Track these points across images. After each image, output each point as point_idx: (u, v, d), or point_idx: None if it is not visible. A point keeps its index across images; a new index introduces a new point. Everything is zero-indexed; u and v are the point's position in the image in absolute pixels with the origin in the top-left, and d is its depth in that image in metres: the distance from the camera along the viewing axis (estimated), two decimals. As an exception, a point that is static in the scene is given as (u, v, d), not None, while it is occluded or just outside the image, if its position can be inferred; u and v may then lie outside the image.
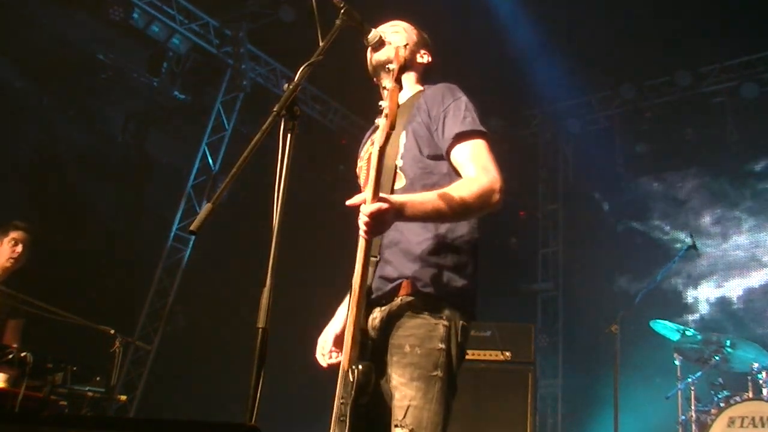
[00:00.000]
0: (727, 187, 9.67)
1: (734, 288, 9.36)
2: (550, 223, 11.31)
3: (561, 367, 10.44)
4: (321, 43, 2.59)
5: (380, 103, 2.59)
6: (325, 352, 3.05)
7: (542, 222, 11.37)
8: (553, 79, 9.92)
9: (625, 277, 10.08)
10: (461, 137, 2.85)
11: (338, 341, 3.05)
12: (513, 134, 11.10)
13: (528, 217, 11.49)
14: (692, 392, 6.62)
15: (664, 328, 7.02)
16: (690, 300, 9.64)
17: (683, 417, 6.63)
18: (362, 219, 2.52)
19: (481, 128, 2.89)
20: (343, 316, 3.09)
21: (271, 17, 9.11)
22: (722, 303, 9.41)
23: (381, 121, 2.56)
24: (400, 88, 2.60)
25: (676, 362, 6.88)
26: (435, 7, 7.69)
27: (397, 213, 2.57)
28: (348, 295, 3.11)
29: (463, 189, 2.72)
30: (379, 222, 2.54)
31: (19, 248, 5.46)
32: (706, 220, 9.77)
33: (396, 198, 2.61)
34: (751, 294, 9.19)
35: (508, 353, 7.01)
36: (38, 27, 8.20)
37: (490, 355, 7.03)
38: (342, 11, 2.74)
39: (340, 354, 2.93)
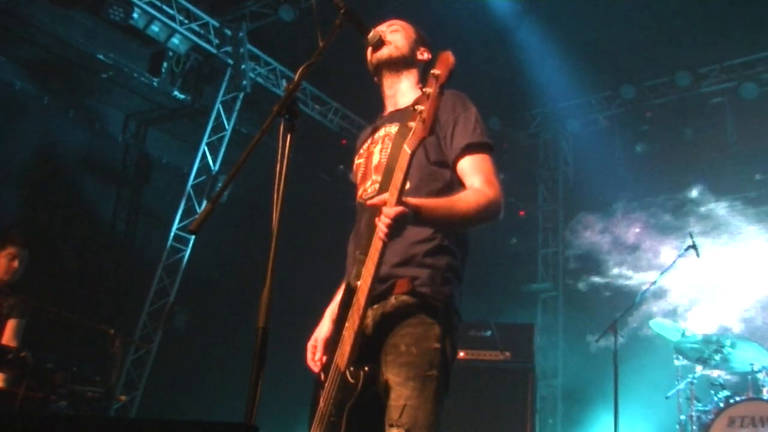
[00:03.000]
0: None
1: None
2: (550, 223, 11.32)
3: (561, 367, 10.45)
4: (321, 43, 2.59)
5: (417, 106, 2.56)
6: (316, 358, 3.03)
7: (542, 222, 11.38)
8: (553, 79, 9.93)
9: (625, 276, 10.07)
10: (470, 149, 2.87)
11: (329, 346, 3.04)
12: (513, 134, 11.10)
13: (528, 217, 11.50)
14: (692, 392, 6.62)
15: (664, 327, 7.02)
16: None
17: (683, 417, 6.63)
18: (384, 221, 2.50)
19: (489, 141, 2.92)
20: (330, 320, 3.08)
21: (271, 17, 9.12)
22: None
23: (416, 125, 2.54)
24: (442, 94, 2.56)
25: (676, 362, 6.89)
26: (435, 7, 7.71)
27: (415, 217, 2.58)
28: (336, 296, 3.12)
29: (471, 199, 2.75)
30: (400, 225, 2.53)
31: (16, 263, 5.45)
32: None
33: (414, 201, 2.61)
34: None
35: (507, 353, 7.02)
36: (38, 28, 8.21)
37: (490, 355, 7.03)
38: (342, 11, 2.74)
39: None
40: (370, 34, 3.01)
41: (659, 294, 8.40)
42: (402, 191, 2.53)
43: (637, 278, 9.49)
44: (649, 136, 10.41)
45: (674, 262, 6.98)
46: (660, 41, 9.11)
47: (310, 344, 3.08)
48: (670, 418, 6.98)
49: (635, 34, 8.98)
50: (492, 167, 2.88)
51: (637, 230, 9.84)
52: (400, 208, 2.51)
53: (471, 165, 2.86)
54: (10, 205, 8.24)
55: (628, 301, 7.55)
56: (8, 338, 5.43)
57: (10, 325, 5.49)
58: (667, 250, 9.14)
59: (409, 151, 2.54)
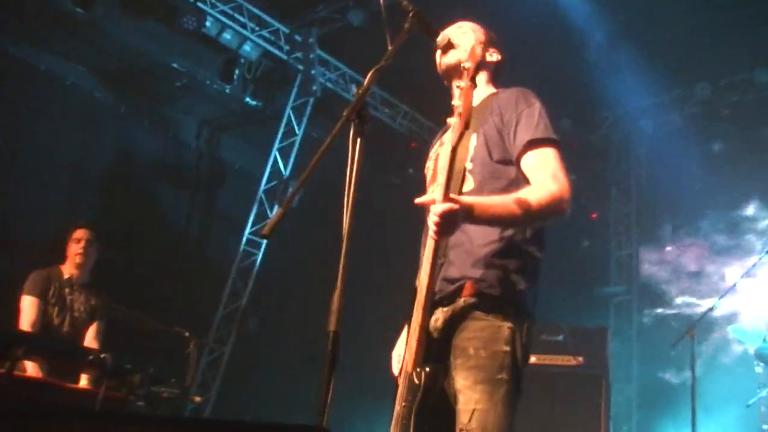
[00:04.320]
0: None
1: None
2: (623, 226, 11.09)
3: (635, 372, 10.22)
4: (390, 47, 2.59)
5: (453, 102, 2.57)
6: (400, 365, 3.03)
7: (615, 224, 11.17)
8: (625, 79, 9.74)
9: (704, 279, 9.80)
10: (533, 144, 2.82)
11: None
12: (584, 136, 10.93)
13: (600, 220, 11.30)
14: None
15: (744, 333, 6.80)
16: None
17: (765, 426, 6.40)
18: (432, 219, 2.51)
19: (554, 136, 2.85)
20: None
21: (340, 22, 9.19)
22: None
23: (454, 120, 2.55)
24: (475, 86, 2.57)
25: (758, 369, 6.66)
26: (504, 9, 7.63)
27: (467, 214, 2.56)
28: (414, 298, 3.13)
29: (532, 195, 2.68)
30: (450, 222, 2.52)
31: (83, 244, 5.61)
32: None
33: (466, 199, 2.59)
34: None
35: (580, 358, 6.90)
36: (115, 39, 8.45)
37: (563, 359, 6.93)
38: (410, 14, 2.73)
39: None
40: (439, 37, 3.00)
41: (740, 297, 8.15)
42: (448, 188, 2.52)
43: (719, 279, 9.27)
44: (726, 135, 10.11)
45: (756, 264, 6.76)
46: (737, 37, 8.82)
47: (394, 353, 3.07)
48: (752, 428, 6.75)
49: (710, 30, 8.73)
50: (558, 162, 2.81)
51: (717, 234, 9.60)
52: (447, 206, 2.49)
53: (535, 160, 2.80)
54: (88, 211, 8.48)
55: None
56: (90, 340, 5.60)
57: (93, 328, 5.66)
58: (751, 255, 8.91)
59: (450, 147, 2.54)
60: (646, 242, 10.69)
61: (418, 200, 2.62)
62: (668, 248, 10.30)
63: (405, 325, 3.14)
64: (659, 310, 10.06)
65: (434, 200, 2.53)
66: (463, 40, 3.07)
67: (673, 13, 8.54)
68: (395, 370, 3.03)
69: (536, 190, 2.72)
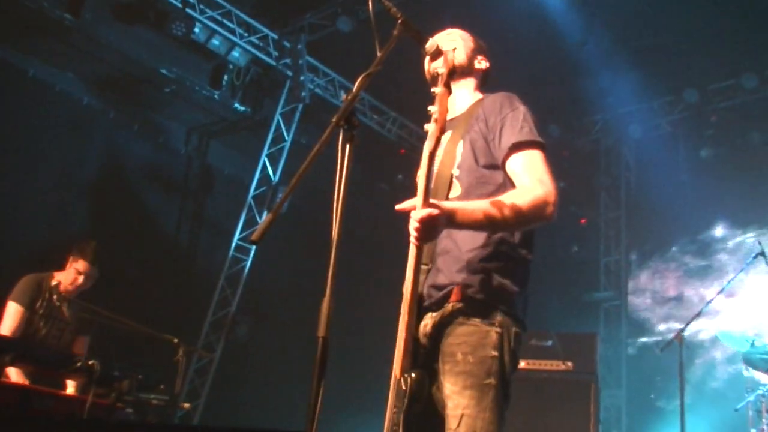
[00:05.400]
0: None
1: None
2: (613, 231, 11.14)
3: (625, 377, 10.25)
4: (379, 54, 2.60)
5: (429, 108, 2.58)
6: None
7: (604, 230, 11.21)
8: (613, 84, 9.79)
9: (690, 285, 9.86)
10: (518, 147, 2.81)
11: None
12: (573, 141, 10.98)
13: (589, 225, 11.34)
14: (763, 405, 6.41)
15: (732, 338, 6.83)
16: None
17: (754, 430, 6.43)
18: (412, 225, 2.52)
19: (539, 139, 2.84)
20: None
21: (329, 29, 9.20)
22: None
23: (430, 126, 2.56)
24: (449, 92, 2.59)
25: (745, 373, 6.69)
26: (493, 15, 7.67)
27: (448, 220, 2.56)
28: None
29: (516, 199, 2.67)
30: (430, 228, 2.53)
31: (81, 280, 5.57)
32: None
33: (447, 204, 2.59)
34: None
35: (570, 363, 6.91)
36: (104, 45, 8.43)
37: (552, 365, 6.94)
38: (399, 21, 2.74)
39: None
40: (428, 44, 3.00)
41: (733, 290, 8.21)
42: (427, 194, 2.53)
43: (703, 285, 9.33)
44: (714, 140, 10.18)
45: (742, 269, 6.79)
46: (724, 43, 8.88)
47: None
48: (738, 415, 6.78)
49: (698, 36, 8.78)
50: (543, 164, 2.79)
51: (704, 235, 9.67)
52: (426, 211, 2.50)
53: (519, 164, 2.79)
54: (77, 217, 8.46)
55: (694, 309, 7.41)
56: (77, 351, 5.58)
57: (80, 341, 5.64)
58: (733, 262, 9.00)
59: (427, 153, 2.55)
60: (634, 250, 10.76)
61: (398, 206, 2.63)
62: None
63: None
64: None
65: (415, 206, 2.54)
66: (450, 46, 3.08)
67: (661, 19, 8.60)
68: None
69: (520, 194, 2.71)
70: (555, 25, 8.68)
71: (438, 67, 2.75)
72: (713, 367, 8.88)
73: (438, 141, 2.55)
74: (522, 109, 2.90)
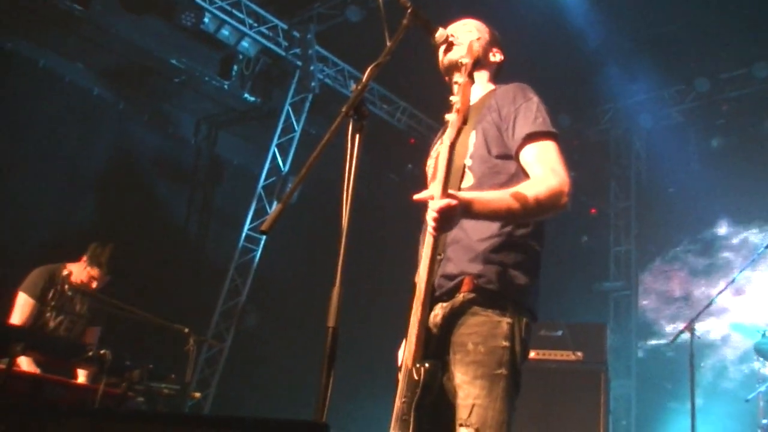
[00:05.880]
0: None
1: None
2: (623, 221, 11.10)
3: (635, 367, 10.23)
4: (388, 44, 2.59)
5: (451, 98, 2.57)
6: None
7: (614, 220, 11.17)
8: (624, 73, 9.73)
9: (701, 275, 9.83)
10: (531, 138, 2.81)
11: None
12: (583, 131, 10.93)
13: (599, 215, 11.30)
14: (774, 395, 6.41)
15: (743, 328, 6.81)
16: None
17: (765, 421, 6.41)
18: (430, 215, 2.51)
19: (552, 129, 2.84)
20: None
21: (338, 18, 9.18)
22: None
23: (452, 116, 2.54)
24: (472, 82, 2.57)
25: (756, 364, 6.67)
26: (503, 4, 7.63)
27: (465, 210, 2.55)
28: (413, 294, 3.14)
29: (530, 189, 2.68)
30: (448, 218, 2.52)
31: (94, 285, 5.62)
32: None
33: (464, 195, 2.59)
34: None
35: (580, 353, 6.90)
36: (113, 35, 8.43)
37: (562, 355, 6.94)
38: (408, 11, 2.73)
39: None
40: (438, 34, 2.99)
41: (738, 293, 8.19)
42: (446, 184, 2.52)
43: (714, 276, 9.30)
44: (725, 130, 10.12)
45: (752, 260, 6.76)
46: (736, 31, 8.81)
47: (400, 351, 3.08)
48: (751, 422, 6.77)
49: (709, 24, 8.71)
50: (557, 155, 2.80)
51: (716, 226, 9.64)
52: (445, 201, 2.49)
53: (533, 154, 2.80)
54: (87, 207, 8.49)
55: (705, 300, 7.38)
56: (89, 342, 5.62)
57: (90, 331, 5.69)
58: (739, 259, 8.98)
59: (448, 143, 2.54)
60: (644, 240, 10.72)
61: (416, 196, 2.62)
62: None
63: (397, 317, 3.15)
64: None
65: (432, 196, 2.53)
66: (466, 38, 3.07)
67: (672, 7, 8.53)
68: None
69: (535, 184, 2.71)
70: (564, 13, 8.62)
71: (460, 57, 2.74)
72: (725, 368, 8.85)
73: (460, 131, 2.54)
74: (535, 99, 2.90)
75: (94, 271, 5.60)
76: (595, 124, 11.08)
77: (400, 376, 2.74)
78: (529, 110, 2.86)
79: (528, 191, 2.67)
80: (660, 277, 10.36)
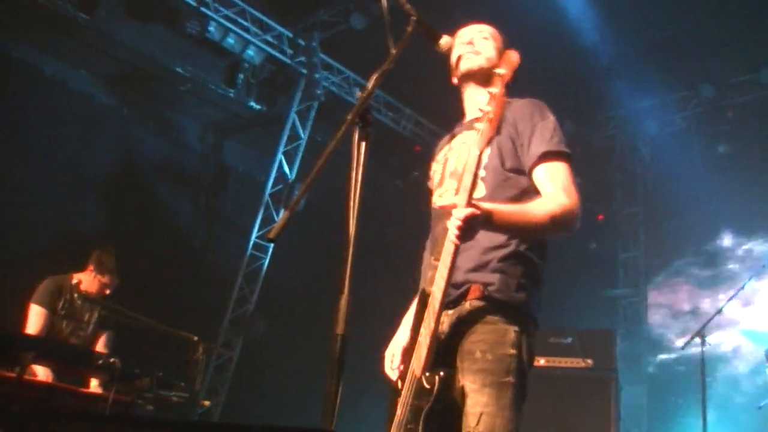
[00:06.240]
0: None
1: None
2: (630, 228, 11.07)
3: (645, 374, 10.17)
4: (392, 51, 2.59)
5: (482, 107, 2.56)
6: (394, 366, 3.04)
7: (622, 226, 11.14)
8: (628, 79, 9.71)
9: (709, 282, 9.79)
10: (547, 157, 2.84)
11: (406, 354, 3.05)
12: (588, 137, 10.91)
13: (607, 221, 11.27)
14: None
15: (754, 335, 6.78)
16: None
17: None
18: (454, 223, 2.50)
19: (568, 150, 2.89)
20: (408, 327, 3.10)
21: (342, 26, 9.20)
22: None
23: (483, 126, 2.54)
24: (507, 95, 2.57)
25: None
26: (506, 10, 7.63)
27: (486, 220, 2.57)
28: (413, 304, 3.11)
29: (546, 206, 2.73)
30: (472, 227, 2.53)
31: (107, 291, 5.69)
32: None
33: (486, 205, 2.59)
34: None
35: (589, 360, 6.88)
36: (118, 42, 8.47)
37: (571, 362, 6.92)
38: (412, 18, 2.74)
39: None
40: (442, 41, 2.99)
41: (747, 304, 8.16)
42: (472, 193, 2.53)
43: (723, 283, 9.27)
44: (731, 136, 10.08)
45: (764, 266, 6.74)
46: (741, 36, 8.79)
47: (387, 352, 3.09)
48: (764, 429, 6.74)
49: (714, 30, 8.70)
50: (570, 176, 2.85)
51: (720, 237, 9.61)
52: (470, 210, 2.50)
53: (547, 173, 2.83)
54: (91, 214, 8.52)
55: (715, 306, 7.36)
56: (101, 348, 5.65)
57: (103, 337, 5.71)
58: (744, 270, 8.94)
59: (477, 152, 2.54)
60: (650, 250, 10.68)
61: (439, 203, 2.63)
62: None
63: (400, 324, 3.15)
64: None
65: (456, 204, 2.54)
66: (484, 46, 3.08)
67: (676, 12, 8.51)
68: (388, 370, 3.05)
69: (549, 202, 2.76)
70: (569, 20, 8.62)
71: (480, 65, 2.72)
72: (737, 381, 8.80)
73: (490, 141, 2.54)
74: (552, 118, 2.93)
75: (105, 279, 5.66)
76: (600, 130, 11.07)
77: (401, 383, 2.73)
78: (546, 128, 2.89)
79: (543, 208, 2.72)
80: (666, 291, 10.33)
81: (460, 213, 2.50)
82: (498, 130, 2.53)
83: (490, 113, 2.54)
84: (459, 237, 2.53)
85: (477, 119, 3.01)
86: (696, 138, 10.39)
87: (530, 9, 8.25)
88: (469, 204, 2.51)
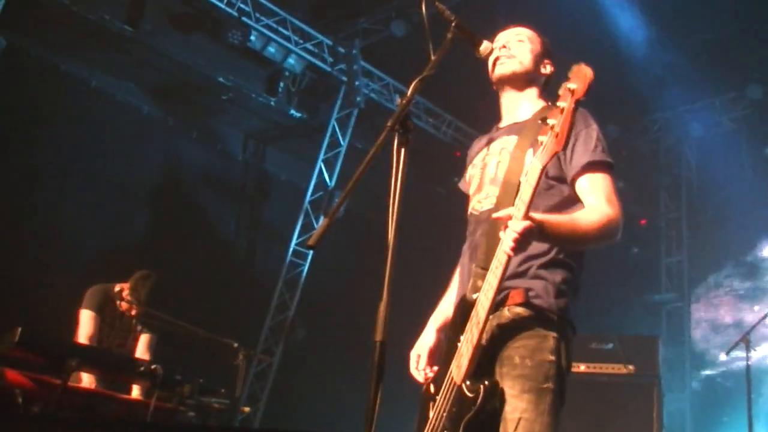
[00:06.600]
0: None
1: None
2: (674, 232, 10.90)
3: (689, 381, 10.00)
4: (433, 57, 2.59)
5: (548, 120, 2.52)
6: (420, 368, 3.03)
7: (665, 230, 10.97)
8: (673, 82, 9.57)
9: (747, 300, 9.59)
10: (590, 167, 2.81)
11: (432, 355, 3.03)
12: (632, 141, 10.77)
13: (650, 226, 11.11)
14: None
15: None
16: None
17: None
18: (511, 235, 2.47)
19: (610, 160, 2.85)
20: (435, 329, 3.10)
21: (382, 33, 9.22)
22: None
23: (547, 139, 2.51)
24: (577, 109, 2.52)
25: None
26: (547, 13, 7.57)
27: (539, 232, 2.55)
28: (440, 305, 3.17)
29: (593, 218, 2.71)
30: (527, 240, 2.51)
31: (132, 314, 5.69)
32: None
33: (538, 217, 2.57)
34: None
35: (631, 366, 6.79)
36: (162, 54, 8.60)
37: (614, 368, 6.82)
38: (453, 24, 2.73)
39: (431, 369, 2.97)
40: (482, 46, 2.97)
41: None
42: (530, 206, 2.50)
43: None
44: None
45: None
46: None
47: (413, 353, 3.09)
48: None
49: (761, 30, 8.53)
50: (612, 186, 2.82)
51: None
52: (528, 223, 2.47)
53: (591, 183, 2.80)
54: (137, 223, 8.64)
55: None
56: (142, 351, 5.70)
57: (144, 339, 5.76)
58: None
59: (540, 166, 2.51)
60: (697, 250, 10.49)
61: (495, 215, 2.61)
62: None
63: (426, 324, 3.14)
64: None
65: (511, 216, 2.51)
66: (520, 50, 3.05)
67: (721, 12, 8.37)
68: (414, 371, 3.05)
69: (595, 213, 2.73)
70: (612, 22, 8.53)
71: (505, 71, 2.70)
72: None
73: (553, 156, 2.52)
74: (595, 127, 2.89)
75: (132, 308, 5.67)
76: (644, 133, 10.92)
77: (441, 388, 2.71)
78: (589, 138, 2.85)
79: (589, 219, 2.70)
80: (707, 305, 10.14)
81: (518, 226, 2.47)
82: (564, 146, 2.50)
83: (556, 127, 2.49)
84: (514, 249, 2.50)
85: (516, 124, 2.99)
86: (743, 140, 10.20)
87: (571, 11, 8.18)
88: (527, 217, 2.49)
